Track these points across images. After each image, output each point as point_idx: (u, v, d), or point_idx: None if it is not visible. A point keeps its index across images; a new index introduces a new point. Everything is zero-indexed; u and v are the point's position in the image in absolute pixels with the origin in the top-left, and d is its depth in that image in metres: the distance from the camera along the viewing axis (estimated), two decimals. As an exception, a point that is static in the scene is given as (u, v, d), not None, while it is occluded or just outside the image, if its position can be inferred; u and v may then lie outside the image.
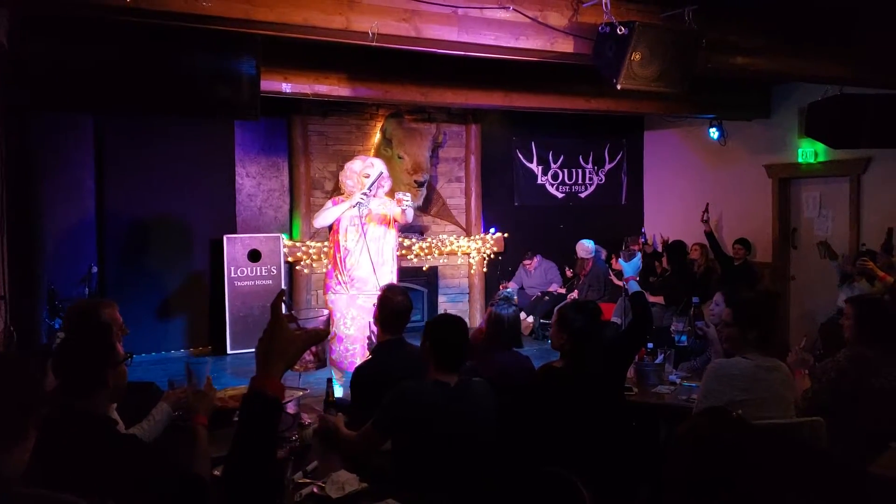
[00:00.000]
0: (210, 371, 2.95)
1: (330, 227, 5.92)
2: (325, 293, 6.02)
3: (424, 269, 9.45)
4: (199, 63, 4.73)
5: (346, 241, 5.78)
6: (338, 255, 5.82)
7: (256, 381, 1.46)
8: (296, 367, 1.60)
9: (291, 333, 1.52)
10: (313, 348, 1.70)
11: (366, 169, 5.83)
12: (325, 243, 8.67)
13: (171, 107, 5.01)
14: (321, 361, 1.76)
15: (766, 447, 1.58)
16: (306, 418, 3.31)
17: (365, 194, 5.66)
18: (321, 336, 1.65)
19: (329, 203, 5.96)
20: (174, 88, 4.75)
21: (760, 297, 3.35)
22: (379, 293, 3.82)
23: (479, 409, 2.93)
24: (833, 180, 8.36)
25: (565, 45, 4.82)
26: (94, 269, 7.03)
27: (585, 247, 9.21)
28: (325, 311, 2.72)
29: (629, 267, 3.86)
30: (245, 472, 1.40)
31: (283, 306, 1.54)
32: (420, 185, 8.87)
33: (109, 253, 7.71)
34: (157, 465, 2.25)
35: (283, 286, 8.31)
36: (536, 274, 9.55)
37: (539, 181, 10.38)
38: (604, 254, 9.28)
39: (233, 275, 8.10)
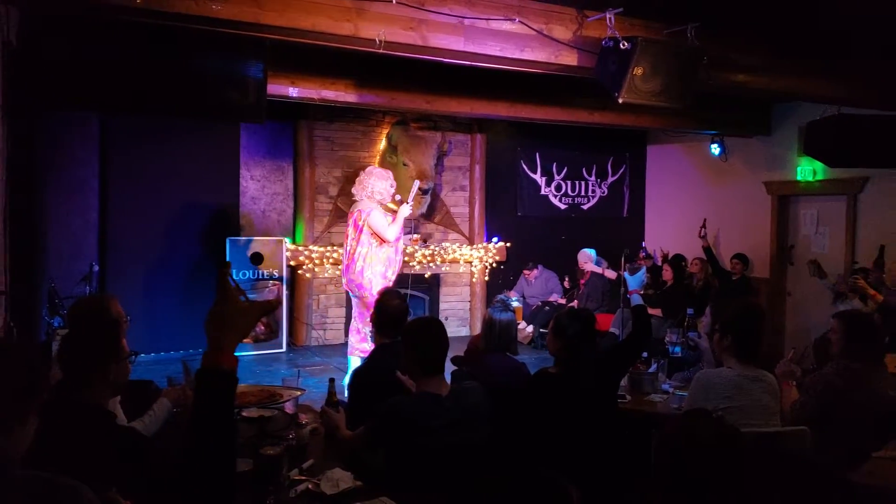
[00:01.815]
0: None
1: (374, 234, 6.31)
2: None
3: (427, 276, 9.51)
4: (206, 65, 4.80)
5: (402, 247, 6.46)
6: (396, 258, 6.43)
7: (210, 357, 1.45)
8: (247, 338, 1.63)
9: (242, 305, 1.51)
10: (264, 319, 1.71)
11: (391, 179, 6.60)
12: (328, 248, 8.75)
13: (178, 108, 5.08)
14: (273, 332, 1.78)
15: (744, 447, 1.63)
16: (304, 418, 3.36)
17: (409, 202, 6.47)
18: (272, 306, 1.64)
19: (389, 218, 6.45)
20: (182, 90, 4.81)
21: (739, 307, 3.42)
22: (376, 297, 3.88)
23: (474, 416, 2.92)
24: (831, 198, 8.44)
25: (569, 58, 4.90)
26: (96, 268, 7.08)
27: (587, 254, 9.25)
28: (276, 283, 2.78)
29: (633, 280, 3.93)
30: (204, 447, 1.41)
31: (230, 279, 1.53)
32: (424, 192, 8.93)
33: (111, 252, 7.76)
34: (154, 457, 2.29)
35: (284, 291, 8.37)
36: (537, 284, 9.60)
37: (542, 192, 10.45)
38: (605, 264, 9.33)
39: (235, 277, 8.12)
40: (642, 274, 3.82)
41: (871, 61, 5.83)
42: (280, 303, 2.67)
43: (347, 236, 6.47)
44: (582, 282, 9.27)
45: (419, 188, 8.81)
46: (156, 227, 8.01)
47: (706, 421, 1.63)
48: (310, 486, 2.59)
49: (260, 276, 8.27)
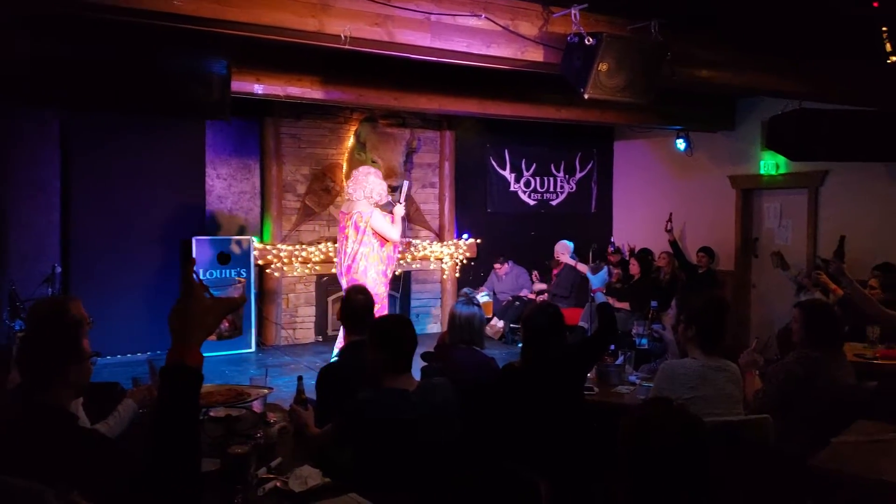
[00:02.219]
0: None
1: (377, 235, 6.47)
2: (384, 289, 6.63)
3: (397, 273, 9.48)
4: (169, 62, 4.75)
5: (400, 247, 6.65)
6: (395, 256, 6.68)
7: (174, 353, 1.43)
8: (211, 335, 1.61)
9: (207, 302, 1.50)
10: (230, 316, 1.69)
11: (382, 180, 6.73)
12: (296, 246, 8.69)
13: (141, 105, 5.02)
14: (237, 329, 1.76)
15: (706, 435, 1.65)
16: (272, 417, 3.34)
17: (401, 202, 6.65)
18: (237, 303, 1.63)
19: (389, 217, 6.58)
20: (144, 87, 4.76)
21: (704, 300, 3.48)
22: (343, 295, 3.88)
23: (442, 412, 2.91)
24: (793, 192, 8.61)
25: (535, 54, 4.92)
26: (58, 270, 6.96)
27: (564, 245, 9.25)
28: (241, 279, 2.78)
29: (596, 279, 3.97)
30: (168, 445, 1.39)
31: (195, 276, 1.52)
32: (393, 189, 8.91)
33: (75, 253, 7.63)
34: (117, 458, 2.26)
35: (251, 289, 8.30)
36: (507, 279, 9.65)
37: (512, 188, 10.51)
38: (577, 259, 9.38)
39: (201, 277, 8.00)
40: (604, 273, 3.87)
41: (831, 58, 5.94)
42: (245, 300, 2.68)
43: (347, 238, 6.51)
44: (555, 272, 9.33)
45: (389, 186, 8.85)
46: (120, 227, 7.89)
47: (667, 409, 1.66)
48: (278, 484, 2.57)
49: (227, 276, 8.20)
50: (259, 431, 3.00)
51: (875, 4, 4.27)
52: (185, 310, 1.48)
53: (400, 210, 6.58)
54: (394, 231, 6.46)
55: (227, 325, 1.87)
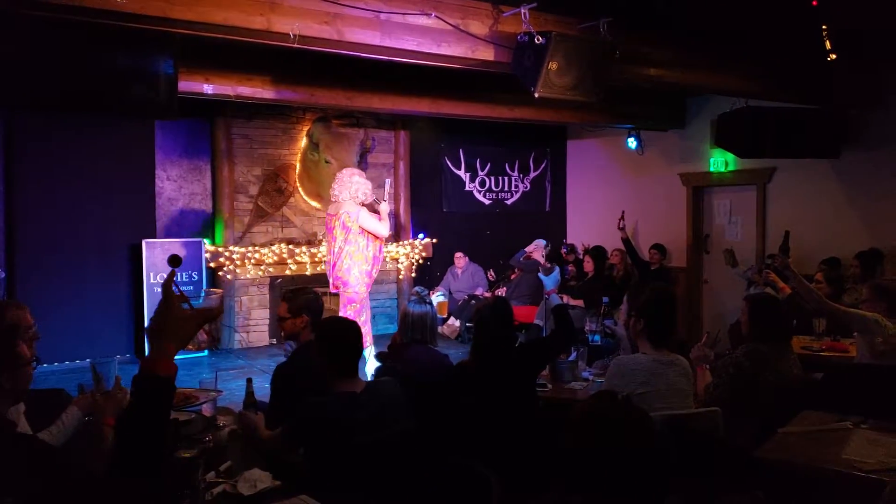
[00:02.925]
0: (118, 371, 2.90)
1: (366, 233, 6.54)
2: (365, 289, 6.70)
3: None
4: (114, 61, 4.63)
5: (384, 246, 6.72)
6: (380, 256, 6.73)
7: (148, 362, 1.45)
8: (189, 345, 1.62)
9: (184, 313, 1.52)
10: (206, 327, 1.69)
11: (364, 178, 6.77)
12: (249, 248, 8.58)
13: (85, 104, 4.89)
14: (215, 340, 1.73)
15: (653, 427, 1.67)
16: (222, 420, 3.28)
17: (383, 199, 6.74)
18: (214, 314, 1.66)
19: (376, 216, 6.64)
20: (88, 86, 4.63)
21: (650, 292, 3.52)
22: None
23: (391, 411, 2.91)
24: (742, 188, 8.80)
25: (486, 53, 4.93)
26: (2, 275, 6.76)
27: (540, 245, 9.22)
28: (219, 291, 2.74)
29: (549, 281, 3.98)
30: (136, 453, 1.40)
31: (174, 287, 1.54)
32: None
33: (20, 258, 7.41)
34: (58, 467, 2.20)
35: (201, 292, 8.16)
36: (464, 278, 9.66)
37: (467, 188, 10.54)
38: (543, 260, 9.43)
39: (152, 280, 7.90)
40: (556, 274, 3.89)
41: (775, 57, 6.09)
42: (222, 311, 2.62)
43: (335, 238, 6.58)
44: (513, 276, 9.37)
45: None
46: (67, 230, 7.68)
47: (611, 402, 1.67)
48: (227, 488, 2.53)
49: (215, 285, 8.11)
50: (208, 435, 2.94)
51: (814, 3, 4.38)
52: (162, 319, 1.51)
53: (385, 207, 6.71)
54: (382, 227, 6.62)
55: (205, 335, 1.86)
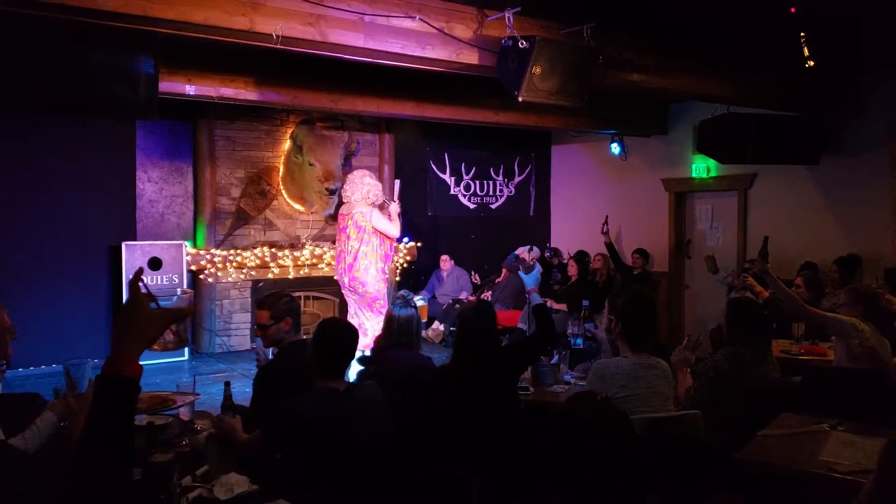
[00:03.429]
0: (92, 373, 2.85)
1: (378, 233, 6.65)
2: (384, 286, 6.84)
3: (336, 277, 9.37)
4: (93, 60, 4.58)
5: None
6: (391, 254, 6.84)
7: (112, 362, 1.39)
8: (155, 346, 1.56)
9: (151, 312, 1.47)
10: (174, 326, 1.65)
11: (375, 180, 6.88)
12: (231, 251, 8.52)
13: (64, 104, 4.84)
14: (182, 341, 1.69)
15: (631, 429, 1.66)
16: (199, 424, 3.24)
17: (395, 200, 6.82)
18: (183, 314, 1.61)
19: (380, 215, 6.70)
20: (68, 85, 4.57)
21: (628, 296, 3.52)
22: None
23: (369, 413, 2.89)
24: (723, 194, 8.87)
25: (470, 57, 4.93)
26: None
27: (532, 251, 9.23)
28: (189, 291, 2.70)
29: (529, 280, 3.97)
30: (98, 455, 1.34)
31: (141, 285, 1.48)
32: (331, 192, 8.84)
33: (-2, 260, 7.32)
34: (30, 472, 2.16)
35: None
36: (449, 281, 9.65)
37: (452, 192, 10.54)
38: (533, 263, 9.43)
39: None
40: (537, 272, 3.88)
41: (757, 63, 6.14)
42: (192, 311, 2.56)
43: (348, 237, 6.67)
44: (497, 280, 9.37)
45: (327, 189, 8.78)
46: (45, 231, 7.58)
47: (591, 403, 1.66)
48: (203, 493, 2.49)
49: (160, 282, 7.97)
50: (184, 439, 2.91)
51: (792, 10, 4.42)
52: (127, 318, 1.44)
53: (395, 208, 6.81)
54: (393, 228, 6.73)
55: (171, 336, 1.80)
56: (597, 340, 4.32)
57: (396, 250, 9.62)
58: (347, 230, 6.69)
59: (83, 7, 3.83)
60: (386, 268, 6.84)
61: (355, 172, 6.99)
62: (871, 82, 7.14)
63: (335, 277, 7.00)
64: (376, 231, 6.63)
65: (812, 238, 7.70)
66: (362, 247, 6.60)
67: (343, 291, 6.98)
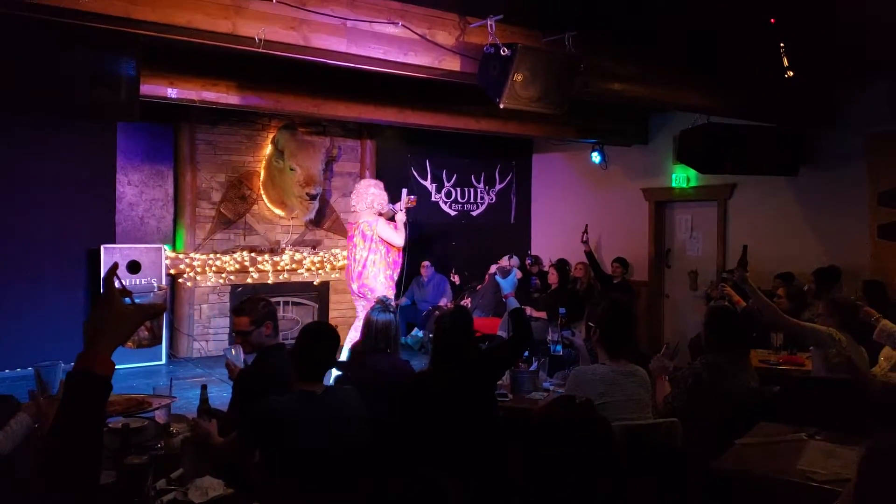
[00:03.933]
0: (63, 375, 2.81)
1: (383, 242, 6.82)
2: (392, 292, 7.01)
3: (316, 283, 9.36)
4: (74, 61, 4.53)
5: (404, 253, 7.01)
6: (399, 261, 7.00)
7: (84, 358, 1.34)
8: (129, 342, 1.53)
9: (125, 308, 1.43)
10: (148, 323, 1.62)
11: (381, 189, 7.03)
12: (210, 255, 8.47)
13: (44, 105, 4.78)
14: (156, 338, 1.67)
15: (610, 432, 1.67)
16: (175, 427, 3.21)
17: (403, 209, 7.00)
18: (157, 311, 1.58)
19: (392, 225, 6.90)
20: (47, 86, 4.52)
21: (605, 303, 3.54)
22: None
23: (346, 417, 2.88)
24: (703, 204, 8.93)
25: (452, 64, 4.95)
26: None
27: (514, 262, 9.25)
28: (164, 287, 2.68)
29: (506, 284, 3.98)
30: (66, 454, 1.30)
31: (116, 280, 1.45)
32: (312, 197, 8.82)
33: (-28, 261, 7.22)
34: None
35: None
36: (429, 288, 9.64)
37: (433, 199, 10.54)
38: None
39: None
40: (514, 277, 3.89)
41: (735, 74, 6.21)
42: (165, 308, 2.53)
43: (356, 246, 6.89)
44: (479, 287, 9.37)
45: (307, 194, 8.75)
46: (23, 234, 7.50)
47: (570, 406, 1.67)
48: (177, 496, 2.47)
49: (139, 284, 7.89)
50: (159, 442, 2.88)
51: (772, 21, 4.48)
52: (101, 314, 1.41)
53: (401, 217, 6.97)
54: (397, 237, 6.90)
55: (146, 332, 1.77)
56: (574, 347, 4.33)
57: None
58: (354, 239, 6.90)
59: (64, 7, 3.79)
60: (394, 274, 7.04)
61: (361, 182, 7.24)
62: (849, 93, 7.21)
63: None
64: (382, 239, 6.80)
65: (791, 249, 7.74)
66: (370, 255, 6.81)
67: (352, 297, 7.18)
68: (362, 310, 6.86)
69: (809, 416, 3.40)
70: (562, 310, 4.80)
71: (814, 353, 4.49)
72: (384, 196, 7.00)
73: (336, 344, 3.06)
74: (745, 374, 3.82)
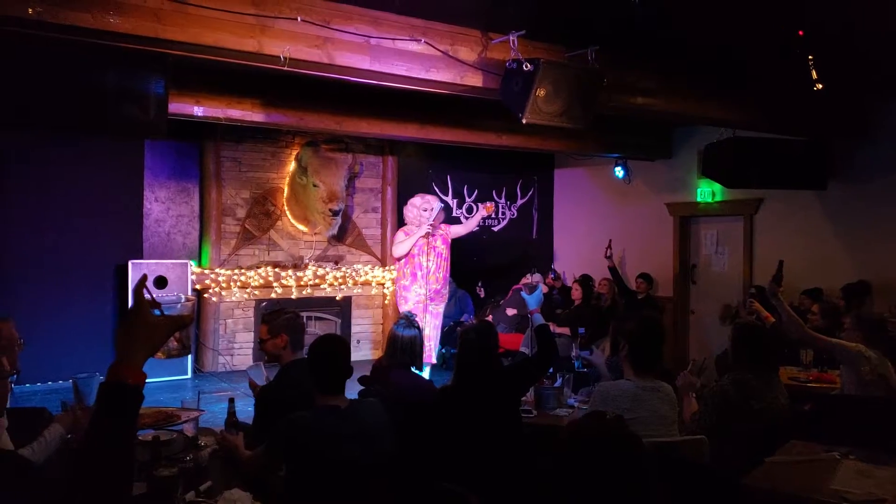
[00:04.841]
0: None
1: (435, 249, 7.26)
2: (402, 304, 7.38)
3: (338, 298, 9.40)
4: (104, 80, 4.62)
5: (427, 261, 7.22)
6: (419, 273, 7.25)
7: (116, 369, 1.37)
8: (159, 353, 1.56)
9: (154, 319, 1.46)
10: (177, 334, 1.65)
11: (424, 205, 7.34)
12: (235, 270, 8.54)
13: (75, 124, 4.88)
14: (185, 348, 1.69)
15: (642, 450, 1.65)
16: (203, 440, 3.24)
17: (431, 224, 7.20)
18: (185, 322, 1.60)
19: (401, 235, 7.34)
20: (78, 105, 4.62)
21: (636, 320, 3.50)
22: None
23: (371, 430, 2.88)
24: (729, 219, 8.85)
25: (474, 80, 4.97)
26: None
27: (537, 278, 9.24)
28: (192, 298, 2.71)
29: (532, 300, 3.96)
30: (99, 463, 1.32)
31: (146, 292, 1.48)
32: (335, 213, 8.88)
33: (5, 277, 7.33)
34: (37, 483, 2.16)
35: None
36: (450, 304, 9.62)
37: (454, 214, 10.55)
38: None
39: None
40: (539, 293, 3.87)
41: (761, 86, 6.17)
42: (193, 319, 2.57)
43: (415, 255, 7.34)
44: (502, 301, 9.36)
45: (330, 210, 8.80)
46: (53, 249, 7.64)
47: (601, 421, 1.66)
48: (206, 510, 2.49)
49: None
50: (188, 455, 2.90)
51: (800, 33, 4.44)
52: (131, 325, 1.44)
53: (417, 230, 7.25)
54: (395, 248, 7.34)
55: (175, 343, 1.81)
56: (593, 366, 4.30)
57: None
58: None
59: (95, 29, 3.87)
60: (414, 287, 7.31)
61: (415, 197, 7.57)
62: (879, 105, 7.10)
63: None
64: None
65: (820, 264, 7.60)
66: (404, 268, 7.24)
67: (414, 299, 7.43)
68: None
69: (842, 435, 3.34)
70: (581, 329, 4.76)
71: (843, 370, 4.41)
72: (416, 211, 7.32)
73: (348, 354, 3.05)
74: (774, 390, 3.76)
